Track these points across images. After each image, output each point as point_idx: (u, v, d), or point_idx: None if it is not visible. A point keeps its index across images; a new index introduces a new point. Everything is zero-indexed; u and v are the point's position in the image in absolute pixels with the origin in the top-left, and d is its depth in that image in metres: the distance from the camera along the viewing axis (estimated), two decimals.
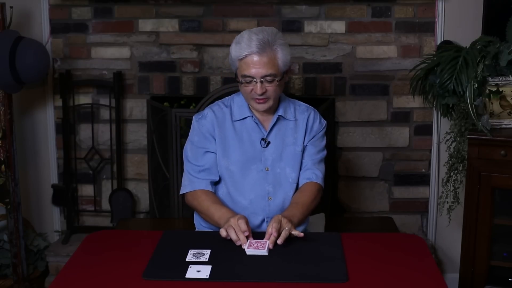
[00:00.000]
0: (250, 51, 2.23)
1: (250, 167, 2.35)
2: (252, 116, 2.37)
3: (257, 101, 2.30)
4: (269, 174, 2.35)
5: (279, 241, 2.05)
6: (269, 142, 2.37)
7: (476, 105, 2.78)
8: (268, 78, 2.26)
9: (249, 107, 2.38)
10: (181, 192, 2.42)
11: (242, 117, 2.37)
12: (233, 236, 2.07)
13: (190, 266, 1.93)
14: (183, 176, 2.42)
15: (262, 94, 2.27)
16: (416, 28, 3.26)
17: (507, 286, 2.85)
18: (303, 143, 2.40)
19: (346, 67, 3.31)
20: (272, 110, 2.37)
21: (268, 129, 2.38)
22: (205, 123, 2.37)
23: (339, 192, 3.43)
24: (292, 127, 2.40)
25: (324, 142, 2.47)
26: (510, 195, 2.83)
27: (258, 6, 3.26)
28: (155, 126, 3.32)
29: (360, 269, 1.92)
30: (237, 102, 2.40)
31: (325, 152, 2.47)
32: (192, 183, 2.37)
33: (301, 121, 2.41)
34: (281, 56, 2.28)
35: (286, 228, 2.09)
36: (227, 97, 2.46)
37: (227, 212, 2.24)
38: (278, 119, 2.38)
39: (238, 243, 2.06)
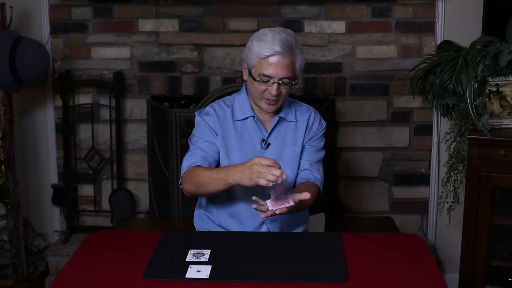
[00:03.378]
0: (274, 50, 2.20)
1: None
2: (254, 116, 2.35)
3: (268, 102, 2.27)
4: None
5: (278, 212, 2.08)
6: (269, 144, 2.35)
7: (476, 105, 2.78)
8: (285, 80, 2.24)
9: (251, 107, 2.36)
10: (181, 172, 2.30)
11: (244, 117, 2.35)
12: (272, 177, 1.98)
13: (190, 266, 1.92)
14: (182, 164, 2.32)
15: (276, 95, 2.25)
16: (416, 28, 3.26)
17: (507, 286, 2.85)
18: (302, 144, 2.39)
19: (346, 67, 3.31)
20: (275, 111, 2.36)
21: (268, 131, 2.36)
22: (208, 120, 2.34)
23: (339, 192, 3.43)
24: (292, 128, 2.38)
25: (322, 143, 2.45)
26: (510, 195, 2.82)
27: (258, 6, 3.26)
28: (155, 126, 3.31)
29: (360, 269, 1.92)
30: (239, 101, 2.38)
31: (323, 153, 2.45)
32: (190, 161, 2.28)
33: (302, 122, 2.40)
34: (299, 61, 2.27)
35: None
36: (227, 97, 2.44)
37: (232, 166, 2.15)
38: (279, 121, 2.37)
39: (279, 180, 1.99)
